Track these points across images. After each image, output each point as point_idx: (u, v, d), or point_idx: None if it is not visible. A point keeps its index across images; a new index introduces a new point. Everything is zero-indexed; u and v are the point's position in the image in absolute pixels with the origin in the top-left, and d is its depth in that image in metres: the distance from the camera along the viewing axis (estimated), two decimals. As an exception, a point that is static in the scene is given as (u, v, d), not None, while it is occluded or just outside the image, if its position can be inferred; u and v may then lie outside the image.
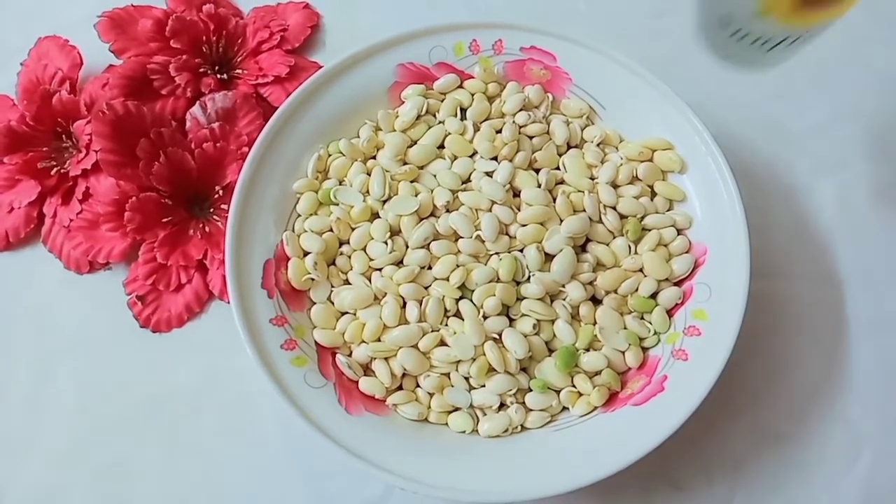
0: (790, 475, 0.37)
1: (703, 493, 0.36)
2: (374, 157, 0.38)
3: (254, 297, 0.34)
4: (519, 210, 0.36)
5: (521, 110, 0.39)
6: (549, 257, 0.35)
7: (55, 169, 0.40)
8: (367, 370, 0.35)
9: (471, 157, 0.38)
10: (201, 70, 0.42)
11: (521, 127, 0.38)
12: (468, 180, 0.37)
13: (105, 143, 0.38)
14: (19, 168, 0.40)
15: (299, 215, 0.37)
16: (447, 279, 0.35)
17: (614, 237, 0.36)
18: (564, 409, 0.35)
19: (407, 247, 0.36)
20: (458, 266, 0.35)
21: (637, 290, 0.36)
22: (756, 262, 0.37)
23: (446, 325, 0.35)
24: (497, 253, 0.35)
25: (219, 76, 0.42)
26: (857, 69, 0.45)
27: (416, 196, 0.36)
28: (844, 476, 0.37)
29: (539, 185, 0.36)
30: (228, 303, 0.37)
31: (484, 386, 0.34)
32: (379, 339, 0.35)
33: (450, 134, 0.38)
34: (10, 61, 0.43)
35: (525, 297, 0.35)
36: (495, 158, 0.37)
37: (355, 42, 0.38)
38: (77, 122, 0.40)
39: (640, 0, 0.47)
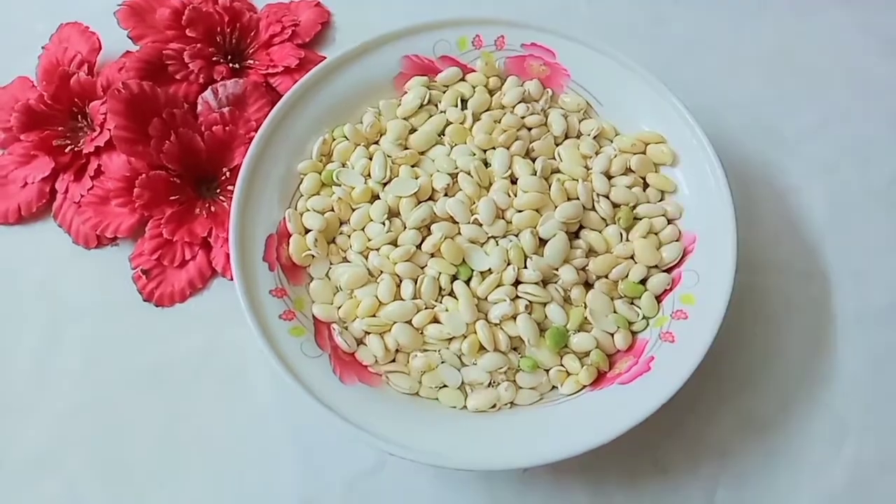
0: (775, 461, 0.37)
1: (689, 477, 0.37)
2: (376, 143, 0.39)
3: (255, 268, 0.35)
4: (515, 196, 0.37)
5: (520, 103, 0.40)
6: (543, 242, 0.36)
7: (69, 147, 0.42)
8: (361, 345, 0.36)
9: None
10: (214, 59, 0.44)
11: (519, 118, 0.40)
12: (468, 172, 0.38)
13: (119, 120, 0.39)
14: (35, 145, 0.42)
15: (302, 195, 0.38)
16: (443, 259, 0.36)
17: (607, 225, 0.38)
18: (554, 387, 0.35)
19: (405, 227, 0.37)
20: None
21: (627, 275, 0.37)
22: (747, 258, 0.39)
23: (441, 302, 0.36)
24: (494, 237, 0.37)
25: (231, 65, 0.44)
26: (848, 77, 0.47)
27: (415, 179, 0.37)
28: (828, 463, 0.37)
29: (535, 173, 0.38)
30: (231, 279, 0.38)
31: (476, 364, 0.35)
32: (374, 316, 0.36)
33: (451, 123, 0.39)
34: (34, 46, 0.45)
35: (521, 281, 0.36)
36: (493, 149, 0.39)
37: (365, 39, 0.40)
38: (93, 103, 0.42)
39: (642, 8, 0.49)
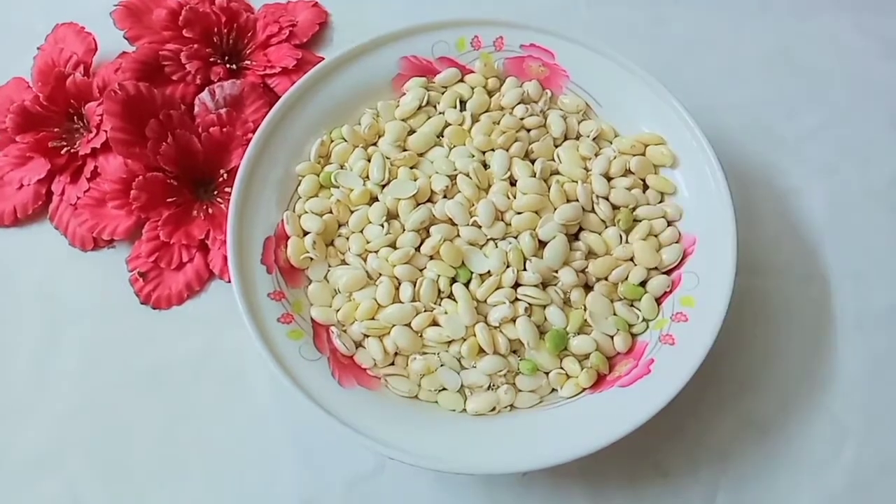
0: (775, 464, 0.37)
1: (689, 480, 0.37)
2: (375, 144, 0.39)
3: (253, 270, 0.35)
4: (514, 198, 0.37)
5: (519, 104, 0.40)
6: (542, 244, 0.36)
7: (65, 149, 0.42)
8: (360, 348, 0.36)
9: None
10: (211, 59, 0.43)
11: (519, 119, 0.39)
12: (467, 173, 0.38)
13: (115, 121, 0.39)
14: (30, 146, 0.41)
15: (300, 197, 0.38)
16: (442, 261, 0.36)
17: (606, 226, 0.37)
18: (553, 390, 0.35)
19: (403, 230, 0.37)
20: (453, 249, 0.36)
21: (627, 277, 0.36)
22: (747, 260, 0.39)
23: (440, 305, 0.35)
24: (493, 239, 0.36)
25: (228, 66, 0.44)
26: (847, 78, 0.47)
27: (414, 181, 0.37)
28: (828, 466, 0.37)
29: (534, 175, 0.37)
30: (228, 282, 0.38)
31: (475, 366, 0.35)
32: (373, 318, 0.35)
33: (449, 124, 0.39)
34: (29, 47, 0.44)
35: (521, 284, 0.36)
36: (492, 150, 0.39)
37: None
38: (89, 104, 0.41)
39: (642, 8, 0.49)
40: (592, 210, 0.37)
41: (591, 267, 0.36)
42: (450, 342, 0.35)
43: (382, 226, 0.37)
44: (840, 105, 0.46)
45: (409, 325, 0.35)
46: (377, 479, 0.37)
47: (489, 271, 0.35)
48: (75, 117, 0.42)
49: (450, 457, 0.32)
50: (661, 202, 0.38)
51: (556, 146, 0.39)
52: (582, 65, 0.40)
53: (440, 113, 0.40)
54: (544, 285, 0.36)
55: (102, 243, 0.41)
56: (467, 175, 0.37)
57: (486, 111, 0.40)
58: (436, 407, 0.35)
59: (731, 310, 0.34)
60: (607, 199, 0.37)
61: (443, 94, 0.40)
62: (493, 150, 0.38)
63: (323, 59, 0.45)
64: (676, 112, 0.38)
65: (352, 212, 0.37)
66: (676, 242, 0.37)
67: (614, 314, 0.36)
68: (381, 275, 0.36)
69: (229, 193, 0.36)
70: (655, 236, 0.37)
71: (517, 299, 0.35)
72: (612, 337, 0.36)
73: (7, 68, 0.44)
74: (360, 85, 0.40)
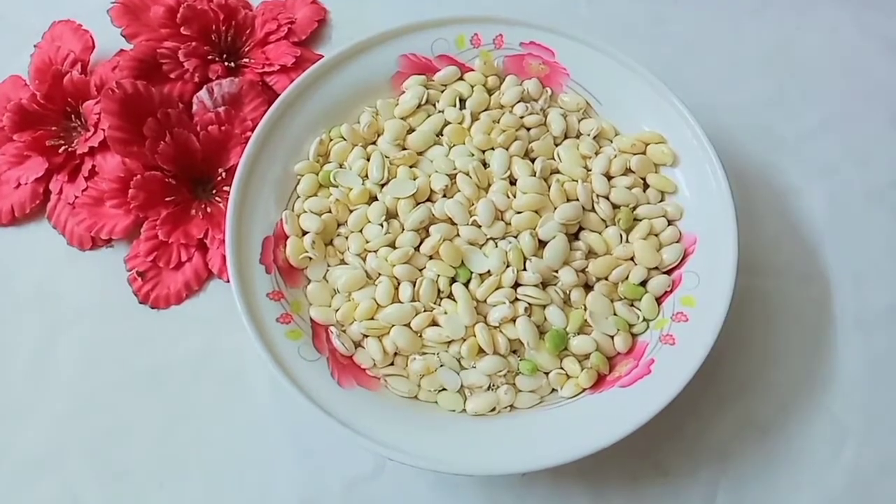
0: (775, 464, 0.37)
1: (689, 479, 0.37)
2: (374, 143, 0.39)
3: (252, 270, 0.35)
4: (514, 197, 0.37)
5: (518, 102, 0.40)
6: (542, 244, 0.36)
7: (63, 147, 0.41)
8: (359, 348, 0.36)
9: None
10: (209, 57, 0.43)
11: (518, 118, 0.39)
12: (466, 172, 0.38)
13: (113, 120, 0.39)
14: (28, 145, 0.41)
15: (299, 196, 0.38)
16: (441, 261, 0.36)
17: (606, 226, 0.37)
18: (553, 390, 0.35)
19: (403, 229, 0.37)
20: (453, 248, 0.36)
21: (627, 277, 0.36)
22: (747, 260, 0.39)
23: (440, 305, 0.35)
24: (493, 238, 0.36)
25: (226, 64, 0.43)
26: (848, 77, 0.46)
27: (414, 180, 0.37)
28: (828, 466, 0.37)
29: (534, 174, 0.37)
30: (227, 282, 0.38)
31: (475, 367, 0.35)
32: (372, 318, 0.35)
33: (449, 123, 0.39)
34: (26, 44, 0.44)
35: (521, 283, 0.36)
36: (492, 149, 0.38)
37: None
38: (86, 103, 0.41)
39: (641, 8, 0.48)
40: (593, 209, 0.37)
41: (591, 266, 0.36)
42: (449, 342, 0.35)
43: (382, 225, 0.36)
44: (840, 105, 0.46)
45: (408, 325, 0.35)
46: (376, 479, 0.37)
47: (489, 271, 0.35)
48: (73, 116, 0.42)
49: (449, 458, 0.32)
50: (661, 201, 0.38)
51: (557, 145, 0.39)
52: (582, 63, 0.40)
53: (440, 111, 0.40)
54: (544, 285, 0.36)
55: (101, 242, 0.41)
56: (467, 174, 0.37)
57: (486, 109, 0.40)
58: (435, 407, 0.35)
59: (731, 310, 0.34)
60: (607, 198, 0.37)
61: (442, 92, 0.40)
62: (492, 148, 0.38)
63: (322, 56, 0.45)
64: (677, 110, 0.38)
65: (351, 211, 0.37)
66: (677, 242, 0.37)
67: (614, 314, 0.36)
68: (380, 274, 0.36)
69: (228, 192, 0.36)
70: (656, 236, 0.37)
71: (517, 299, 0.35)
72: (612, 337, 0.35)
73: (4, 66, 0.44)
74: (359, 83, 0.39)
